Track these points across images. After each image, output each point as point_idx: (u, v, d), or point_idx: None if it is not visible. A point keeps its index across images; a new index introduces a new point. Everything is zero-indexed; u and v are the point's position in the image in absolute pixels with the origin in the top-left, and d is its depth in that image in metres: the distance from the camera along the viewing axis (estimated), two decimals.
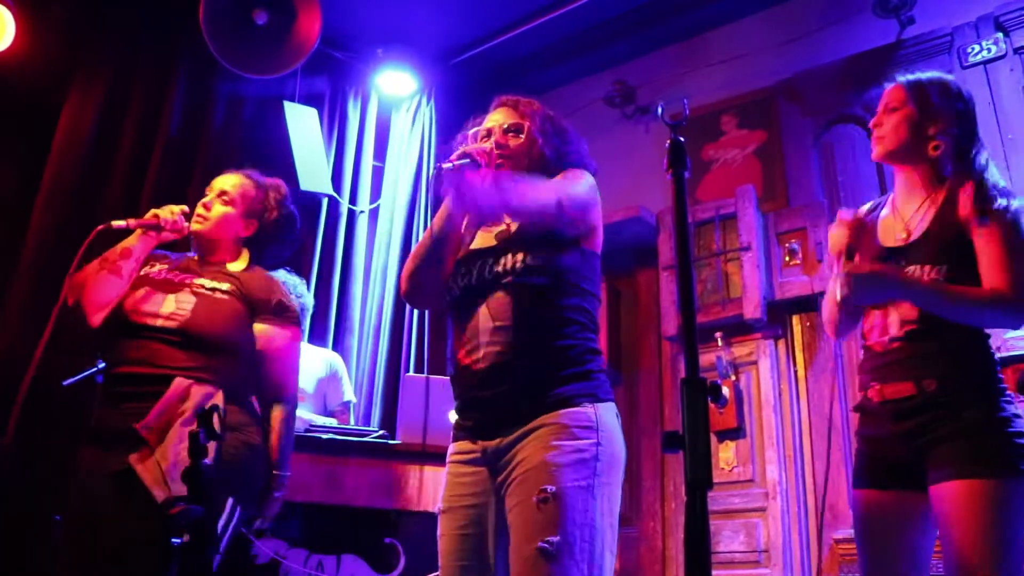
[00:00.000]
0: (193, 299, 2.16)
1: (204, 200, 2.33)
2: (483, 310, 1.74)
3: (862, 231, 2.02)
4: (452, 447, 1.81)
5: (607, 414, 1.69)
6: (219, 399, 2.06)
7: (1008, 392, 1.86)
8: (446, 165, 1.73)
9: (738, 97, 4.31)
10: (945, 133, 1.94)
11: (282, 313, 2.27)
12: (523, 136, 1.87)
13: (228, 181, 2.36)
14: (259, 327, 2.23)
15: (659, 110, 1.41)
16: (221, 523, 1.99)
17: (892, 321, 1.92)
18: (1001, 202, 1.84)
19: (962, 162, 1.94)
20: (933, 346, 1.88)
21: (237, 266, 2.31)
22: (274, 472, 2.19)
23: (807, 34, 4.16)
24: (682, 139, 1.34)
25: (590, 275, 1.83)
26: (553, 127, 1.90)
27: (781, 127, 4.12)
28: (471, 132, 1.93)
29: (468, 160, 1.75)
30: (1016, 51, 3.50)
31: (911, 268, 1.89)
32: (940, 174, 1.95)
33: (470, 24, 4.66)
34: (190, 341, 2.10)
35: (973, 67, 3.57)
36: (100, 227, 2.20)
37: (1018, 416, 1.80)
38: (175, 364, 2.07)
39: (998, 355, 3.06)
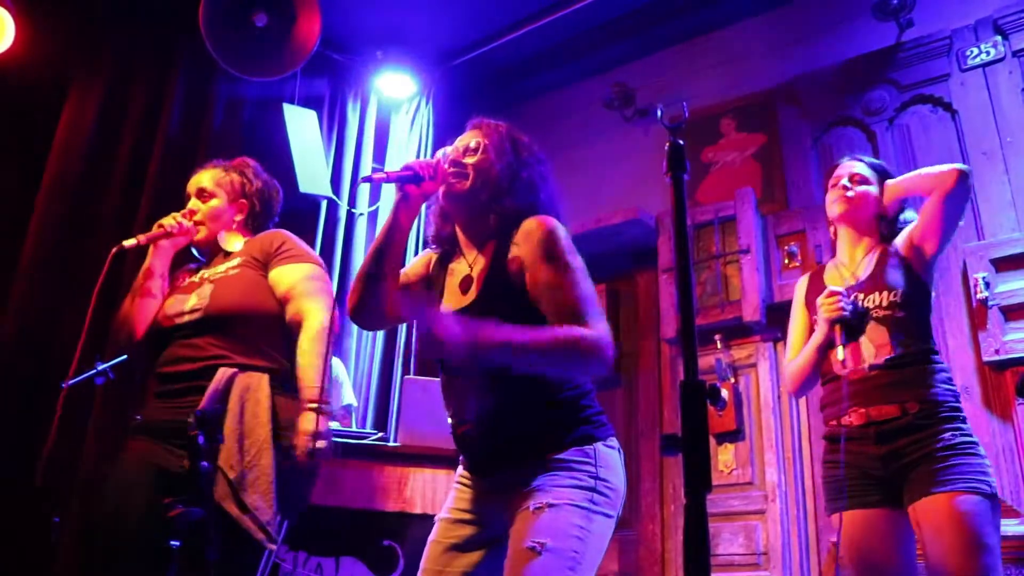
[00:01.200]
0: (211, 286, 2.20)
1: (189, 208, 2.36)
2: (468, 387, 1.71)
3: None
4: (460, 467, 1.82)
5: (606, 450, 1.68)
6: (264, 386, 2.04)
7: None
8: (377, 175, 1.74)
9: (737, 100, 4.31)
10: (892, 221, 2.30)
11: (286, 253, 2.24)
12: (478, 154, 1.80)
13: (200, 179, 2.39)
14: (271, 276, 2.22)
15: (658, 113, 1.41)
16: (275, 525, 1.96)
17: (868, 352, 2.13)
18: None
19: (892, 235, 2.30)
20: (912, 372, 2.08)
21: (235, 244, 2.34)
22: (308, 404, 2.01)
23: (806, 37, 4.17)
24: (681, 142, 1.34)
25: None
26: (514, 148, 1.83)
27: (780, 130, 4.12)
28: (439, 153, 1.88)
29: (410, 172, 1.73)
30: (1015, 54, 3.50)
31: (869, 296, 2.17)
32: (878, 242, 2.30)
33: (469, 27, 4.66)
34: (218, 323, 2.11)
35: (972, 70, 3.58)
36: (114, 250, 2.21)
37: (976, 441, 2.04)
38: (216, 352, 2.08)
39: (997, 357, 3.15)
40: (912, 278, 2.17)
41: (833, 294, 2.16)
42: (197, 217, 2.33)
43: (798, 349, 2.34)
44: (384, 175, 1.75)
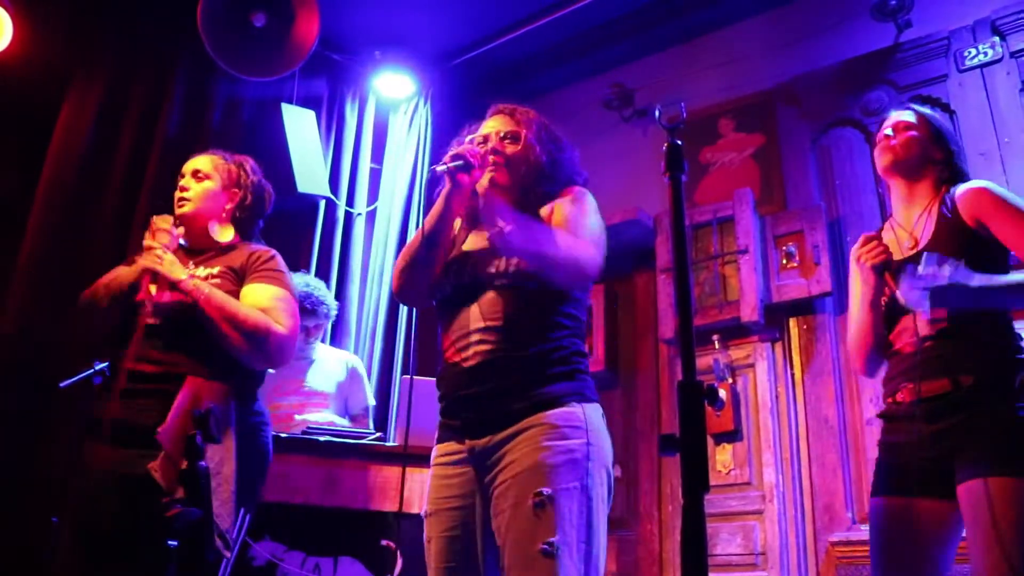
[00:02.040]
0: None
1: (181, 184, 2.35)
2: (474, 309, 1.77)
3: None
4: (436, 449, 1.82)
5: (594, 414, 1.72)
6: (228, 397, 2.05)
7: None
8: (440, 167, 1.77)
9: (736, 100, 4.31)
10: (943, 161, 2.12)
11: (266, 271, 2.23)
12: (520, 143, 1.89)
13: (198, 161, 2.39)
14: (244, 289, 2.20)
15: (657, 113, 1.41)
16: (235, 531, 1.99)
17: (921, 322, 1.94)
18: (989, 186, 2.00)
19: (952, 176, 2.11)
20: (966, 343, 1.90)
21: (225, 236, 2.33)
22: None
23: (805, 37, 4.17)
24: (679, 142, 1.34)
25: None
26: (549, 135, 1.94)
27: (779, 130, 4.12)
28: (467, 138, 1.94)
29: (461, 162, 1.77)
30: (1013, 55, 3.51)
31: (930, 269, 1.91)
32: (934, 189, 2.09)
33: (468, 27, 4.66)
34: (188, 329, 2.10)
35: (970, 71, 3.58)
36: (137, 299, 2.17)
37: None
38: (181, 359, 2.07)
39: None
40: (978, 244, 1.95)
41: (869, 239, 2.01)
42: (187, 195, 2.31)
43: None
44: (444, 167, 1.79)
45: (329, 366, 3.48)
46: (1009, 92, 3.47)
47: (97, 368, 2.38)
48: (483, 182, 1.86)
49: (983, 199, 1.96)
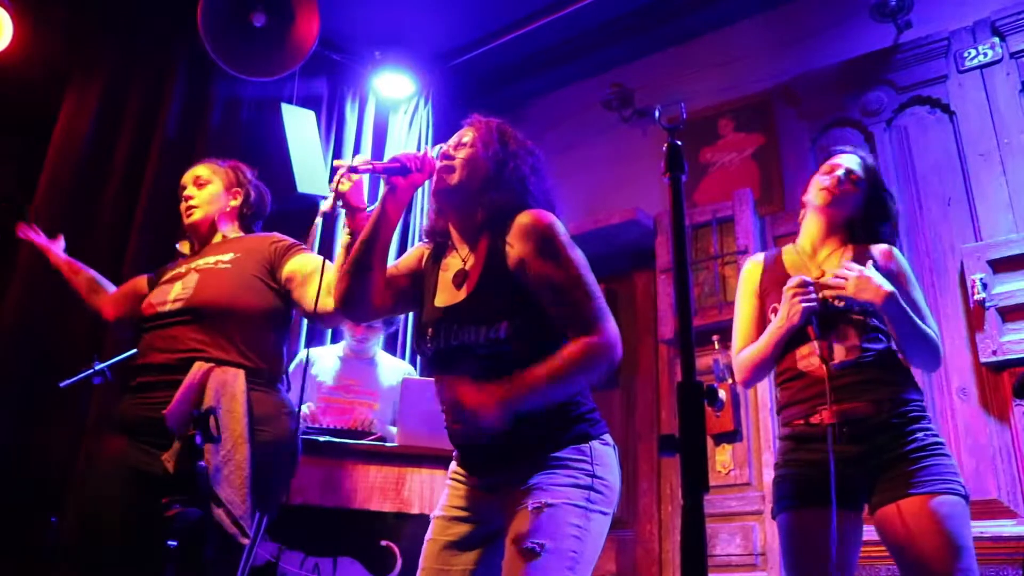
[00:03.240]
0: (196, 276, 2.20)
1: (185, 194, 2.40)
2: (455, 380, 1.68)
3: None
4: (453, 464, 1.83)
5: (601, 447, 1.69)
6: (240, 381, 2.04)
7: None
8: (364, 166, 1.77)
9: (735, 100, 4.31)
10: (873, 216, 2.25)
11: (295, 247, 2.30)
12: (467, 147, 1.81)
13: (196, 170, 2.44)
14: (287, 270, 2.25)
15: (656, 113, 1.41)
16: (253, 521, 1.98)
17: (838, 348, 2.06)
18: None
19: (879, 232, 2.25)
20: (882, 371, 2.03)
21: (232, 233, 2.37)
22: None
23: (804, 38, 4.17)
24: (679, 142, 1.34)
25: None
26: (500, 138, 1.82)
27: (778, 130, 4.12)
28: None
29: (398, 164, 1.75)
30: (1012, 55, 3.51)
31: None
32: (849, 237, 2.24)
33: (468, 27, 4.66)
34: (199, 316, 2.11)
35: (970, 71, 3.58)
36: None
37: (944, 442, 2.01)
38: (193, 346, 2.08)
39: (994, 358, 3.12)
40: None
41: (806, 284, 2.07)
42: (193, 202, 2.36)
43: (748, 338, 2.24)
44: (371, 166, 1.76)
45: (384, 372, 3.51)
46: (1009, 93, 3.47)
47: (97, 368, 2.39)
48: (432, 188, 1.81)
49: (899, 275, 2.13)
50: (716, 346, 3.80)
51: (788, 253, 2.30)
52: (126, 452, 2.01)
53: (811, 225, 2.29)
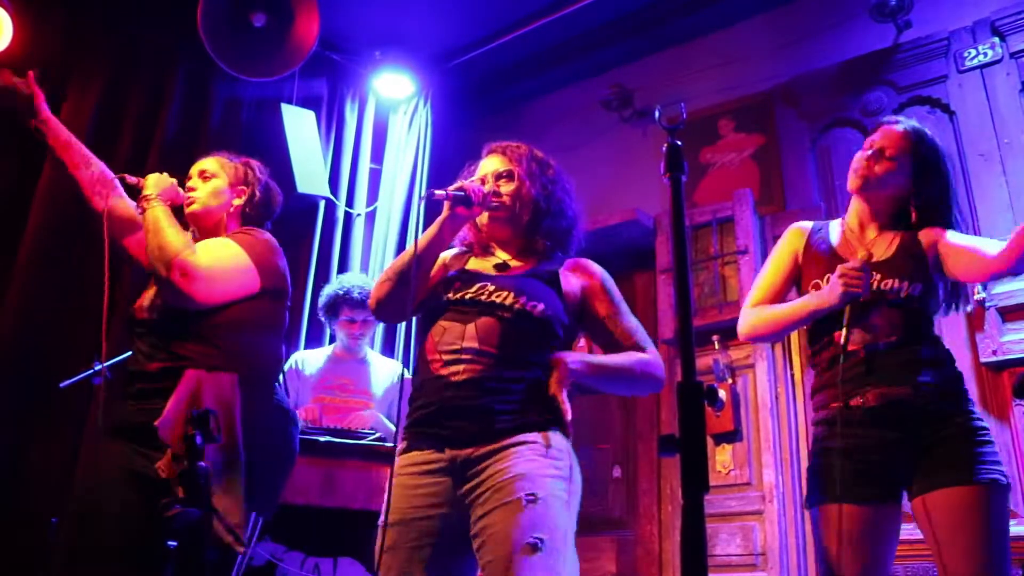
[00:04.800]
0: None
1: (188, 185, 2.34)
2: (469, 328, 1.80)
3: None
4: (403, 459, 1.81)
5: (570, 446, 1.80)
6: (233, 388, 2.01)
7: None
8: (439, 193, 1.84)
9: (735, 101, 4.31)
10: (924, 195, 2.09)
11: (235, 231, 2.27)
12: (513, 181, 1.96)
13: (204, 163, 2.39)
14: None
15: (656, 114, 1.41)
16: (248, 528, 1.98)
17: (875, 334, 1.97)
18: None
19: (933, 215, 2.09)
20: (923, 352, 1.95)
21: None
22: None
23: (804, 38, 4.17)
24: (679, 143, 1.34)
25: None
26: (539, 167, 2.00)
27: (778, 131, 4.12)
28: (471, 179, 1.99)
29: (463, 194, 1.85)
30: (1012, 55, 3.51)
31: (886, 281, 2.00)
32: (893, 221, 2.12)
33: (468, 27, 4.66)
34: (189, 320, 2.07)
35: (969, 71, 3.58)
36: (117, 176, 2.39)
37: (988, 427, 1.93)
38: (180, 353, 2.05)
39: (994, 358, 3.10)
40: (930, 276, 2.03)
41: (863, 270, 1.95)
42: (195, 193, 2.30)
43: (767, 296, 2.16)
44: (444, 193, 1.85)
45: (382, 371, 3.50)
46: (1009, 93, 3.47)
47: (97, 368, 2.38)
48: (482, 219, 1.96)
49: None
50: (716, 346, 3.80)
51: (833, 229, 2.19)
52: (125, 454, 2.01)
53: (856, 206, 2.18)
